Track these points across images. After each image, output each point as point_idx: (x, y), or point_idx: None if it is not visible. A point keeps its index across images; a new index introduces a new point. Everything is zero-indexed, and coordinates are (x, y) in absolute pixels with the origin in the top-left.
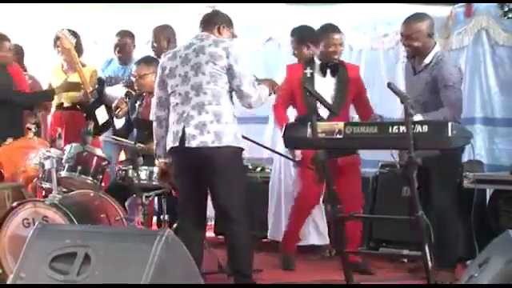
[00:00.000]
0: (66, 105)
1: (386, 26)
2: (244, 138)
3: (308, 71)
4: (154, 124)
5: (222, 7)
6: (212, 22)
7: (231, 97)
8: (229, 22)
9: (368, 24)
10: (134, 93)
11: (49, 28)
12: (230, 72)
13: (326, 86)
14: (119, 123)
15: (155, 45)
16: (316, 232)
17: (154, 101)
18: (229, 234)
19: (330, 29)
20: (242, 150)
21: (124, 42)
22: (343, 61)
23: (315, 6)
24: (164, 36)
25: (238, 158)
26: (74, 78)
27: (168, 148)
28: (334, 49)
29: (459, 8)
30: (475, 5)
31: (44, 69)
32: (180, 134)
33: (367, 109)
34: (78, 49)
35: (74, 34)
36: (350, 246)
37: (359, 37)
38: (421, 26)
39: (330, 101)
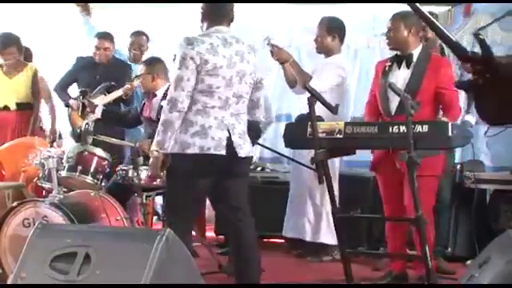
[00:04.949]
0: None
1: (384, 24)
2: (259, 144)
3: (387, 63)
4: (176, 114)
5: None
6: (229, 16)
7: None
8: None
9: (366, 23)
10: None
11: (53, 29)
12: (259, 84)
13: (398, 78)
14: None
15: None
16: (328, 230)
17: (171, 90)
18: (242, 227)
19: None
20: None
21: (141, 43)
22: (433, 53)
23: (314, 6)
24: None
25: None
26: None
27: (202, 152)
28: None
29: (458, 7)
30: (474, 4)
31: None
32: (225, 142)
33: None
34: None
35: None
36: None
37: (356, 35)
38: None
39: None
